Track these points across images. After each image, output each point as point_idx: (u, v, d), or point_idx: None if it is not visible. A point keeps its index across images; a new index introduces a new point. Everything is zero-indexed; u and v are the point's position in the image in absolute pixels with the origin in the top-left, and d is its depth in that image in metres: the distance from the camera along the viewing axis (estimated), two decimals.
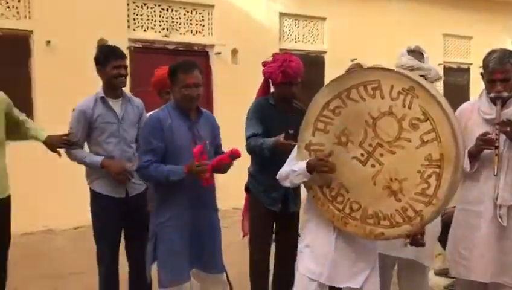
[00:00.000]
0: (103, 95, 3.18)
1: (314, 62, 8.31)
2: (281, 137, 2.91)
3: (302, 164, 2.37)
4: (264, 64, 3.35)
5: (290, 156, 2.57)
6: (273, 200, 3.26)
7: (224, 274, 3.05)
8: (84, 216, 5.71)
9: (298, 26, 8.33)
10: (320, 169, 2.33)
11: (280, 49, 7.93)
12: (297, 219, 3.33)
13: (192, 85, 2.76)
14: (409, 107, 2.17)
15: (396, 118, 2.20)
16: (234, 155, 2.76)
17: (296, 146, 2.51)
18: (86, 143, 3.26)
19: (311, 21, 8.44)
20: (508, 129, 2.61)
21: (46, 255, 5.25)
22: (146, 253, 2.91)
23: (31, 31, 6.16)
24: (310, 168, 2.34)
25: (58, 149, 3.21)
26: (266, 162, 3.12)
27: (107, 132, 3.16)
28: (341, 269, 2.46)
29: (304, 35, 8.40)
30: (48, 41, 6.15)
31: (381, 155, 2.25)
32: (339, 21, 8.43)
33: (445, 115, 2.11)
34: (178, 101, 2.83)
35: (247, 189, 3.44)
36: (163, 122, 2.75)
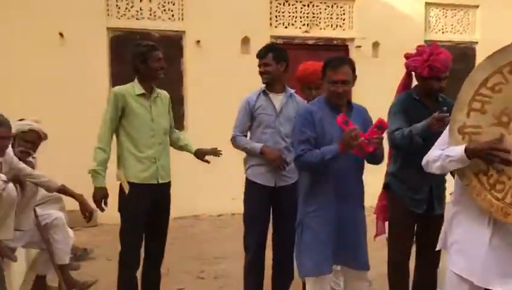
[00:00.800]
0: (265, 89, 3.44)
1: (464, 54, 7.70)
2: (436, 114, 2.77)
3: (459, 149, 2.15)
4: (407, 56, 3.20)
5: (437, 142, 2.38)
6: (418, 202, 3.12)
7: (368, 272, 2.95)
8: (226, 205, 6.17)
9: (446, 16, 7.79)
10: (490, 158, 2.09)
11: (425, 41, 7.49)
12: (441, 220, 3.13)
13: (339, 82, 2.72)
14: None
15: None
16: (381, 125, 2.60)
17: (448, 129, 2.30)
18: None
19: (462, 9, 7.83)
20: None
21: (194, 239, 5.69)
22: (293, 244, 2.96)
23: (183, 32, 6.71)
24: (471, 154, 2.11)
25: (206, 157, 3.59)
26: (411, 160, 2.98)
27: (264, 123, 3.40)
28: (494, 269, 2.20)
29: (452, 25, 7.83)
30: (198, 41, 6.64)
31: None
32: (493, 9, 7.69)
33: None
34: (327, 96, 2.85)
35: (386, 187, 3.34)
36: (314, 115, 2.77)
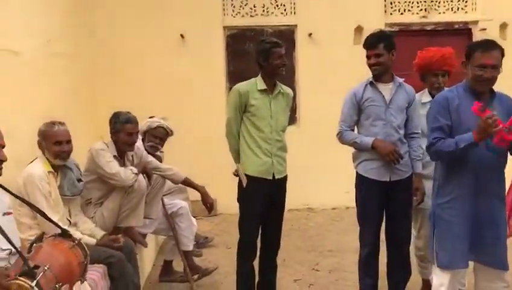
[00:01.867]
0: (372, 80, 3.29)
1: None
2: None
3: None
4: None
5: None
6: None
7: (506, 273, 2.73)
8: (341, 198, 6.13)
9: None
10: None
11: None
12: None
13: (488, 66, 2.57)
14: None
15: None
16: None
17: None
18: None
19: None
20: None
21: (308, 231, 5.74)
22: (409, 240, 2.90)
23: (295, 25, 6.75)
24: None
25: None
26: None
27: (374, 115, 3.25)
28: None
29: None
30: (310, 34, 6.64)
31: None
32: None
33: None
34: (470, 81, 2.68)
35: None
36: (450, 102, 2.67)
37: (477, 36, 6.70)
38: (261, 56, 3.27)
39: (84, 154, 3.45)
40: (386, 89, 3.26)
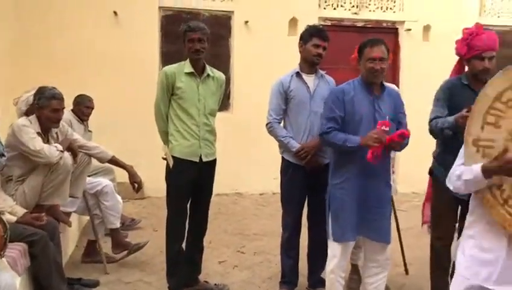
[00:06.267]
0: (299, 70, 3.45)
1: None
2: (464, 111, 2.72)
3: (475, 171, 2.10)
4: (456, 41, 3.14)
5: (460, 152, 2.31)
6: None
7: (389, 246, 3.09)
8: (269, 184, 6.28)
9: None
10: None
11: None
12: None
13: (377, 58, 2.89)
14: None
15: None
16: (403, 135, 2.83)
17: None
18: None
19: None
20: None
21: (235, 215, 5.84)
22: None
23: (232, 12, 6.77)
24: (488, 173, 2.07)
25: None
26: (450, 145, 2.94)
27: (300, 104, 3.41)
28: (510, 278, 2.16)
29: (508, 9, 7.51)
30: (246, 22, 6.70)
31: None
32: None
33: None
34: (363, 75, 2.98)
35: (431, 172, 3.32)
36: (345, 94, 2.96)
37: (403, 35, 7.11)
38: (182, 39, 3.33)
39: (7, 130, 3.31)
40: (310, 80, 3.44)
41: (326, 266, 3.10)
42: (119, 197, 4.19)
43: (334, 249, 3.02)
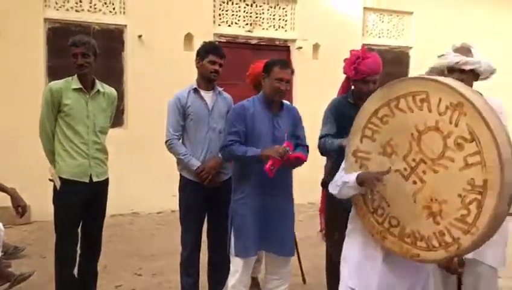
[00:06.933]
0: (196, 86, 3.42)
1: (399, 58, 8.12)
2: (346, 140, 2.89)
3: (352, 177, 2.28)
4: (345, 60, 3.32)
5: (343, 163, 2.49)
6: (348, 200, 3.22)
7: (291, 259, 3.15)
8: (167, 202, 6.13)
9: (383, 21, 8.15)
10: (371, 186, 2.23)
11: (363, 44, 7.80)
12: None
13: (284, 80, 2.98)
14: (456, 125, 1.98)
15: (442, 134, 2.04)
16: (299, 159, 2.96)
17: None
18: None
19: (397, 16, 8.21)
20: None
21: (131, 236, 5.62)
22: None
23: (125, 25, 6.59)
24: (360, 181, 2.24)
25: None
26: (339, 160, 3.09)
27: (198, 121, 3.37)
28: (389, 284, 2.32)
29: (388, 30, 8.20)
30: (140, 35, 6.54)
31: (424, 172, 2.10)
32: (426, 15, 8.14)
33: (493, 138, 1.88)
34: (266, 92, 3.05)
35: (323, 184, 3.45)
36: (246, 110, 3.01)
37: (295, 53, 7.41)
38: (70, 53, 3.18)
39: None
40: (208, 96, 3.43)
41: (228, 281, 3.07)
42: (0, 225, 3.82)
43: (236, 264, 3.01)
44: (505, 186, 1.88)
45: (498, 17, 8.59)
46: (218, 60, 3.38)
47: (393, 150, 2.20)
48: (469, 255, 2.63)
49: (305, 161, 3.02)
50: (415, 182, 2.13)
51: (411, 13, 8.20)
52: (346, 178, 2.32)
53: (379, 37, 8.14)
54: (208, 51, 3.39)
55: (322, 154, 3.27)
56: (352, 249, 2.45)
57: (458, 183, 1.99)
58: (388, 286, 2.32)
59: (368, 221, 2.33)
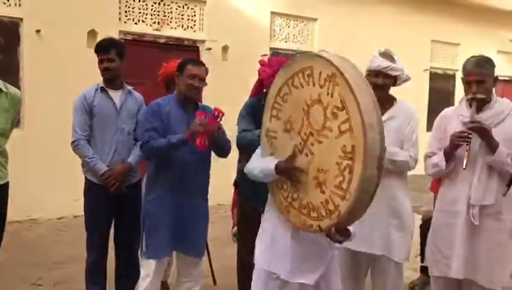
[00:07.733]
0: (103, 85, 3.27)
1: None
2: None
3: (272, 166, 2.32)
4: (261, 63, 3.34)
5: (257, 150, 2.55)
6: (260, 201, 3.23)
7: (202, 260, 3.15)
8: (69, 207, 5.81)
9: (289, 26, 8.39)
10: (290, 177, 2.29)
11: (270, 48, 8.01)
12: None
13: (197, 76, 2.98)
14: (331, 95, 2.06)
15: (322, 105, 2.11)
16: (218, 114, 2.89)
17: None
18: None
19: (302, 21, 8.50)
20: (478, 127, 2.71)
21: (29, 244, 5.24)
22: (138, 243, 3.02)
23: (21, 19, 6.14)
24: (279, 171, 2.30)
25: None
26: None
27: (105, 121, 3.22)
28: (298, 264, 2.39)
29: (294, 35, 8.46)
30: (38, 30, 6.13)
31: (312, 144, 2.17)
32: (329, 22, 8.52)
33: (357, 104, 1.95)
34: (181, 91, 3.02)
35: (236, 184, 3.47)
36: (162, 108, 2.97)
37: (204, 54, 7.38)
38: None
39: None
40: (117, 95, 3.30)
41: (139, 287, 2.98)
42: None
43: (147, 268, 2.93)
44: (368, 150, 1.94)
45: (399, 28, 9.17)
46: (105, 56, 3.22)
47: (292, 126, 2.28)
48: (378, 252, 2.83)
49: (221, 113, 2.90)
50: (307, 155, 2.21)
51: (315, 19, 8.53)
52: (265, 167, 2.35)
53: (285, 41, 8.37)
54: (95, 50, 3.28)
55: (241, 148, 3.25)
56: (266, 233, 2.52)
57: (335, 152, 2.05)
58: (296, 268, 2.39)
59: (277, 198, 2.40)
